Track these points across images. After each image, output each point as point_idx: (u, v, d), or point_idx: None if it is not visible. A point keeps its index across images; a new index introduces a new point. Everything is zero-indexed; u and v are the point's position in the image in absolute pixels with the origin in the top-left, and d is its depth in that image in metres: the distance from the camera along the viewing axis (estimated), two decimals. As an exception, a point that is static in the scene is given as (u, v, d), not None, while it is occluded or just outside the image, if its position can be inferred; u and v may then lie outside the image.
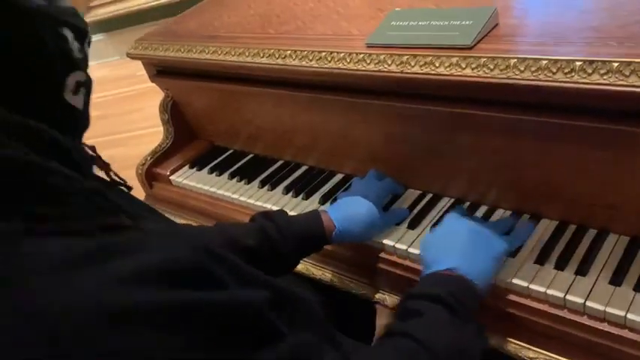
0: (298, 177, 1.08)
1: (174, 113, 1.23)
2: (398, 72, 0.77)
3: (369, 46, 0.83)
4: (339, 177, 1.04)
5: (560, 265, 0.72)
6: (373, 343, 0.58)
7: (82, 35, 0.45)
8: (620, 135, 0.65)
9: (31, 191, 0.36)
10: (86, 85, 0.47)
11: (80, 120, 0.47)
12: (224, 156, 1.22)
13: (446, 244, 0.70)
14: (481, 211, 0.86)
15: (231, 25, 1.12)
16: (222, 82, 1.09)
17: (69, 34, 0.44)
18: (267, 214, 0.82)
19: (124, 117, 2.94)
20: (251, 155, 1.19)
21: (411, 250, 0.82)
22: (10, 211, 0.35)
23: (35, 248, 0.34)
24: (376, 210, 0.84)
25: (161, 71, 1.20)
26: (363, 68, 0.81)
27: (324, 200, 0.99)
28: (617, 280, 0.68)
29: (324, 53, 0.87)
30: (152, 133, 2.20)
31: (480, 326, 0.63)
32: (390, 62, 0.78)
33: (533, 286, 0.71)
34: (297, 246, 0.79)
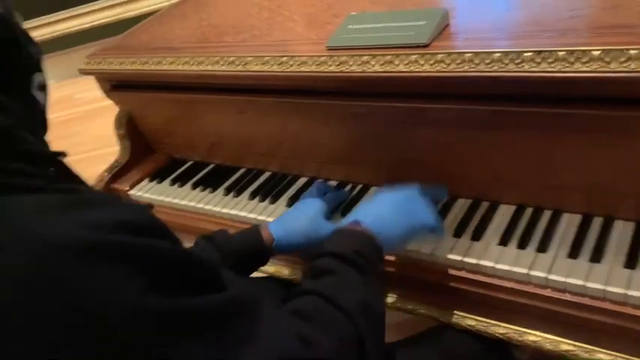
0: (263, 182, 1.09)
1: (130, 128, 1.22)
2: (359, 72, 0.81)
3: (329, 48, 0.86)
4: (303, 180, 1.07)
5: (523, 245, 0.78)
6: (287, 302, 0.61)
7: (34, 43, 0.53)
8: (568, 118, 0.71)
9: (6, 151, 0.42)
10: (45, 87, 0.54)
11: (43, 118, 0.54)
12: (184, 167, 1.21)
13: (365, 206, 0.77)
14: (441, 203, 0.91)
15: (185, 37, 1.13)
16: (180, 92, 1.09)
17: (29, 40, 0.51)
18: (207, 237, 0.84)
19: (67, 140, 2.86)
20: (212, 165, 1.20)
21: (381, 242, 0.85)
22: None
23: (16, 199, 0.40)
24: (322, 213, 0.85)
25: (116, 86, 1.19)
26: (326, 70, 0.84)
27: (291, 203, 1.01)
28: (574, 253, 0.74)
29: (285, 58, 0.90)
30: (100, 155, 2.16)
31: (380, 282, 0.68)
32: (351, 63, 0.82)
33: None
34: (237, 262, 0.80)
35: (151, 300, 0.40)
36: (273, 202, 1.03)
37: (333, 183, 1.02)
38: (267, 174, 1.12)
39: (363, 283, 0.63)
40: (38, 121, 0.54)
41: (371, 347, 0.57)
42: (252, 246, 0.82)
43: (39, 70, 0.53)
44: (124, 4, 3.21)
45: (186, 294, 0.43)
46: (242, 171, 1.15)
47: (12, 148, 0.43)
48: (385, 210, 0.74)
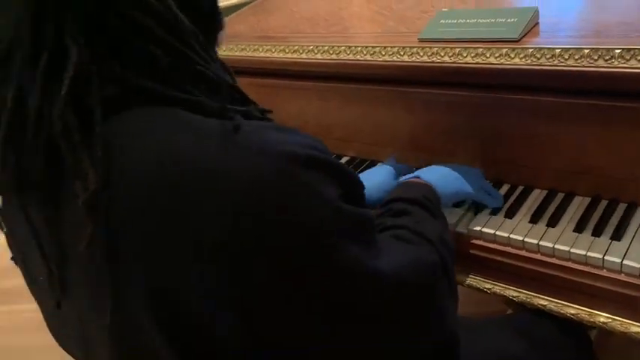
0: (342, 166, 1.17)
1: (219, 110, 1.32)
2: (451, 62, 0.88)
3: (422, 40, 0.93)
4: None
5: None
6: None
7: None
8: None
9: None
10: None
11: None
12: (267, 149, 1.30)
13: (425, 169, 0.89)
14: (518, 191, 0.96)
15: (279, 27, 1.22)
16: (270, 78, 1.18)
17: None
18: None
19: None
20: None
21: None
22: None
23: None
24: (393, 176, 0.95)
25: (210, 70, 1.29)
26: (418, 60, 0.91)
27: (370, 185, 1.08)
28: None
29: (377, 48, 0.97)
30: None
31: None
32: (443, 54, 0.89)
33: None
34: None
35: (342, 205, 0.50)
36: (353, 183, 1.10)
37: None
38: (345, 158, 1.19)
39: (435, 221, 0.74)
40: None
41: (452, 271, 0.67)
42: None
43: None
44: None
45: (356, 205, 0.52)
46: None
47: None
48: (440, 173, 0.86)
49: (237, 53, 1.17)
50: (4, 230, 0.61)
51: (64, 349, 0.66)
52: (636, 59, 0.72)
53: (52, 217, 0.51)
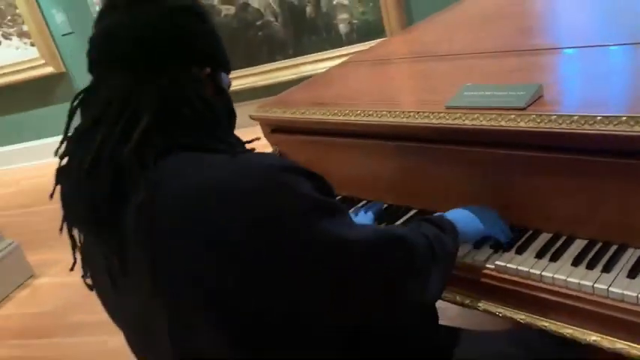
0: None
1: (279, 162, 1.57)
2: (471, 125, 1.10)
3: (448, 108, 1.16)
4: (413, 211, 1.34)
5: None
6: None
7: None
8: (632, 168, 0.94)
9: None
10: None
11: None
12: (317, 197, 1.53)
13: (451, 211, 1.10)
14: (527, 234, 1.14)
15: (332, 96, 1.48)
16: (322, 136, 1.42)
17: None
18: None
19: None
20: (340, 196, 1.50)
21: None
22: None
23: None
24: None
25: (274, 130, 1.55)
26: (444, 122, 1.13)
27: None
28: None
29: (412, 112, 1.20)
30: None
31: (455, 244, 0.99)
32: (464, 118, 1.11)
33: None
34: None
35: (315, 194, 0.74)
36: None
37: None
38: (384, 205, 1.40)
39: (440, 232, 0.95)
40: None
41: (443, 260, 0.90)
42: None
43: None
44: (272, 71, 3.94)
45: (325, 195, 0.77)
46: (363, 202, 1.44)
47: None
48: (461, 215, 1.07)
49: (297, 116, 1.42)
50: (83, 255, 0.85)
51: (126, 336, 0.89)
52: (613, 124, 0.93)
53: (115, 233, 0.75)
